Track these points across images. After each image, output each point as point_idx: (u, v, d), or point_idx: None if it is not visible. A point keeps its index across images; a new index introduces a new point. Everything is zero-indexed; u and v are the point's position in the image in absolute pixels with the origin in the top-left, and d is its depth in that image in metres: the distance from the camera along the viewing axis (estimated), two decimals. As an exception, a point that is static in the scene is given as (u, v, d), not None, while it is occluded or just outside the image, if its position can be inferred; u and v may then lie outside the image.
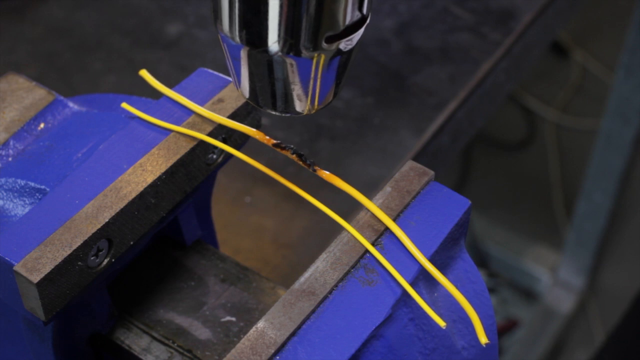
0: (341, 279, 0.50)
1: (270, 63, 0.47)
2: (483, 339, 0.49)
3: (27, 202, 0.55)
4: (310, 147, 0.98)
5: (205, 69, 0.61)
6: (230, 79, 0.60)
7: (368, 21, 0.47)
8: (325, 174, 0.54)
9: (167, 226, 0.63)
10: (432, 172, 0.55)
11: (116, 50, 1.09)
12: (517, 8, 1.16)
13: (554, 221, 2.24)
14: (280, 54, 0.46)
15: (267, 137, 0.55)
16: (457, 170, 2.27)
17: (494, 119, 2.06)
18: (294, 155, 0.53)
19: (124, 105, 0.58)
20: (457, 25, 1.14)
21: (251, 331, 0.48)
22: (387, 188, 0.54)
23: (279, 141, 0.54)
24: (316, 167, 0.54)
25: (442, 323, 0.49)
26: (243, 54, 0.47)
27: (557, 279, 2.20)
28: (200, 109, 0.57)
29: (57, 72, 1.06)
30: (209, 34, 1.12)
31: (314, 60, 0.46)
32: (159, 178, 0.54)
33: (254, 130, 0.56)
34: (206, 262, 0.64)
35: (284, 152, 0.54)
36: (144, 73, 0.60)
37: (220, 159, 0.59)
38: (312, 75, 0.47)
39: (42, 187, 0.55)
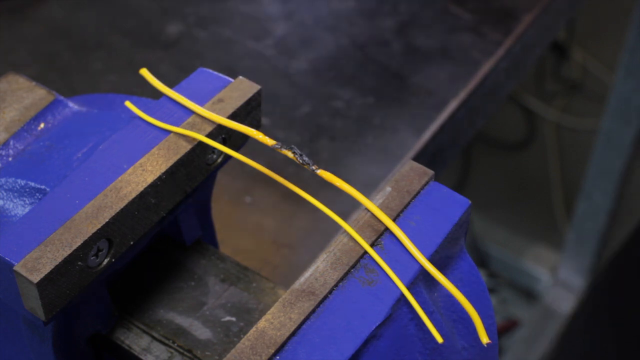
0: (341, 279, 0.50)
1: None
2: (484, 339, 0.49)
3: (27, 202, 0.55)
4: (310, 147, 0.98)
5: (205, 69, 0.61)
6: (230, 78, 0.60)
7: None
8: (326, 174, 0.54)
9: (167, 226, 0.63)
10: (432, 172, 0.55)
11: (116, 50, 1.09)
12: (517, 8, 1.17)
13: (554, 221, 2.24)
14: None
15: (267, 138, 0.55)
16: (457, 170, 2.27)
17: (494, 119, 2.06)
18: (294, 156, 0.53)
19: (127, 103, 0.58)
20: (457, 25, 1.14)
21: (251, 331, 0.48)
22: (387, 188, 0.54)
23: (279, 141, 0.54)
24: (316, 167, 0.54)
25: (439, 339, 0.49)
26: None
27: (557, 279, 2.20)
28: (200, 109, 0.57)
29: (57, 72, 1.06)
30: (209, 34, 1.12)
31: None
32: (159, 178, 0.54)
33: (254, 130, 0.56)
34: (206, 262, 0.64)
35: (283, 152, 0.54)
36: (145, 72, 0.60)
37: (220, 159, 0.59)
38: None
39: (42, 187, 0.55)
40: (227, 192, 0.92)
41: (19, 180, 0.56)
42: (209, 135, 0.56)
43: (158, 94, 0.59)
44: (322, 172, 0.54)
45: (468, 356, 0.55)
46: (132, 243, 0.54)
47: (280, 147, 0.54)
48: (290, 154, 0.53)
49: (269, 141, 0.54)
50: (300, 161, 0.53)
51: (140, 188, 0.53)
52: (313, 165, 0.54)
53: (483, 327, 0.49)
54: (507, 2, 1.17)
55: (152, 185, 0.53)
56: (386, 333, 0.49)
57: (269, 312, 0.49)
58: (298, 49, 1.11)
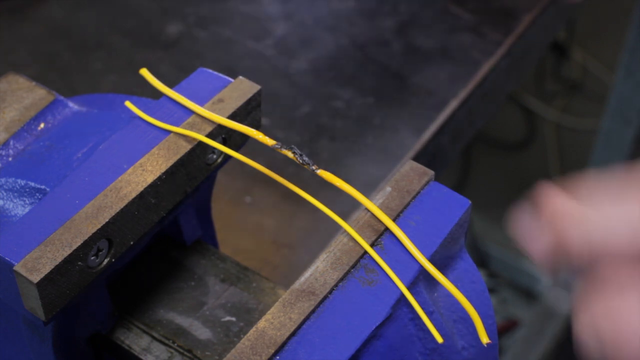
0: (341, 279, 0.50)
1: None
2: (484, 339, 0.49)
3: (27, 202, 0.55)
4: (310, 147, 0.98)
5: (205, 69, 0.61)
6: (230, 78, 0.60)
7: None
8: (326, 174, 0.54)
9: (167, 226, 0.63)
10: (432, 172, 0.55)
11: (116, 50, 1.09)
12: (517, 8, 1.17)
13: (554, 221, 2.23)
14: None
15: (267, 138, 0.55)
16: (457, 170, 2.27)
17: (494, 119, 2.06)
18: (294, 156, 0.53)
19: (127, 103, 0.58)
20: (457, 25, 1.14)
21: (251, 331, 0.48)
22: (387, 188, 0.54)
23: (279, 141, 0.54)
24: (316, 167, 0.54)
25: (439, 339, 0.49)
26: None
27: (557, 279, 2.19)
28: (200, 109, 0.57)
29: (57, 72, 1.06)
30: (209, 34, 1.12)
31: None
32: (159, 178, 0.54)
33: (254, 130, 0.56)
34: (206, 262, 0.64)
35: (283, 152, 0.54)
36: (145, 72, 0.60)
37: (220, 159, 0.59)
38: None
39: (42, 187, 0.55)
40: (227, 192, 0.92)
41: (19, 180, 0.56)
42: (209, 135, 0.56)
43: (158, 94, 0.59)
44: (322, 172, 0.54)
45: (468, 356, 0.55)
46: (132, 243, 0.54)
47: (280, 147, 0.54)
48: (290, 154, 0.53)
49: (269, 141, 0.54)
50: (300, 161, 0.53)
51: (140, 188, 0.53)
52: (313, 165, 0.54)
53: (483, 327, 0.49)
54: (507, 2, 1.17)
55: (152, 185, 0.53)
56: (386, 333, 0.49)
57: (269, 312, 0.49)
58: (298, 49, 1.11)
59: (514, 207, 0.46)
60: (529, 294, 2.28)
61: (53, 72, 1.06)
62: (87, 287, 0.52)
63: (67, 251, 0.49)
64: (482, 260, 2.28)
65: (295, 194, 0.55)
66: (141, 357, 0.58)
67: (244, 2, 1.17)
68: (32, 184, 0.55)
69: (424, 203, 0.54)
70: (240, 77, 0.60)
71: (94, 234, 0.50)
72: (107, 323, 0.59)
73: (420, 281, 0.51)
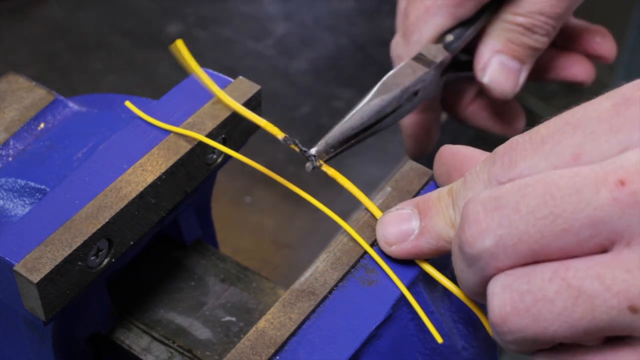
0: (341, 279, 0.50)
1: None
2: (491, 332, 0.49)
3: (27, 202, 0.55)
4: (310, 147, 0.98)
5: (206, 69, 0.61)
6: (230, 78, 0.60)
7: None
8: (330, 170, 0.54)
9: (167, 226, 0.63)
10: (432, 172, 0.55)
11: (116, 50, 1.09)
12: (517, 8, 1.16)
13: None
14: None
15: (278, 129, 0.55)
16: (457, 170, 2.26)
17: (494, 119, 2.06)
18: (300, 150, 0.54)
19: (127, 103, 0.58)
20: (457, 25, 1.14)
21: (251, 331, 0.48)
22: (387, 188, 0.54)
23: (287, 135, 0.55)
24: (319, 163, 0.54)
25: (439, 339, 0.49)
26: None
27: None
28: (220, 92, 0.57)
29: (57, 72, 1.06)
30: (209, 34, 1.12)
31: None
32: (159, 178, 0.54)
33: (264, 120, 0.56)
34: (206, 262, 0.64)
35: (291, 146, 0.54)
36: (180, 43, 0.59)
37: (220, 159, 0.59)
38: None
39: (42, 187, 0.55)
40: (227, 192, 0.92)
41: (19, 180, 0.56)
42: (209, 135, 0.56)
43: (158, 94, 0.60)
44: (326, 168, 0.54)
45: (468, 356, 0.55)
46: (132, 243, 0.54)
47: (287, 141, 0.54)
48: (296, 149, 0.54)
49: (280, 133, 0.54)
50: (305, 156, 0.54)
51: (140, 188, 0.53)
52: (317, 161, 0.54)
53: (487, 321, 0.49)
54: (507, 2, 1.17)
55: (152, 185, 0.53)
56: (386, 333, 0.49)
57: (269, 312, 0.49)
58: (298, 49, 1.11)
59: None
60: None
61: (53, 72, 1.06)
62: (87, 287, 0.52)
63: (67, 251, 0.49)
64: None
65: (295, 194, 0.55)
66: (141, 357, 0.58)
67: (244, 2, 1.17)
68: (32, 184, 0.55)
69: (424, 203, 0.54)
70: (240, 77, 0.60)
71: (94, 234, 0.50)
72: (107, 323, 0.59)
73: (420, 281, 0.51)
